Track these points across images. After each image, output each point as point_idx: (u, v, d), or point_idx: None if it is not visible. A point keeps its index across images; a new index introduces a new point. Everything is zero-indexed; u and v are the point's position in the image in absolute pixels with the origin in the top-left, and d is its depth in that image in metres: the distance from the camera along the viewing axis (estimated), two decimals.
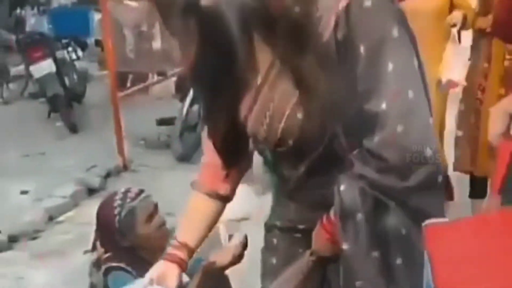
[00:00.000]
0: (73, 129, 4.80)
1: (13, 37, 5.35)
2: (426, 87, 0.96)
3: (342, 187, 0.95)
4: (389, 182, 0.92)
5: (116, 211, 1.71)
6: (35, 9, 5.32)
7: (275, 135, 1.00)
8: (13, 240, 3.13)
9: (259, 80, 1.01)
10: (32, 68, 4.64)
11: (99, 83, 5.91)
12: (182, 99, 4.21)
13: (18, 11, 5.26)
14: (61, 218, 3.43)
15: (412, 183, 0.91)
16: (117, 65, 5.66)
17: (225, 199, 1.23)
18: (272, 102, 0.99)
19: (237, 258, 1.39)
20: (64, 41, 5.24)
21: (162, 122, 4.71)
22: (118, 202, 1.73)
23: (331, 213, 0.98)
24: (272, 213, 1.24)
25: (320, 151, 0.99)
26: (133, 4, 5.57)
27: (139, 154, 4.28)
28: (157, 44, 5.56)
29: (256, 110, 1.02)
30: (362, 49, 0.90)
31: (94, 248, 1.83)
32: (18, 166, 4.08)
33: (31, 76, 4.88)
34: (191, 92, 3.99)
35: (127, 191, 1.76)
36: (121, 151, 4.08)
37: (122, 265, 1.70)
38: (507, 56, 2.50)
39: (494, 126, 1.00)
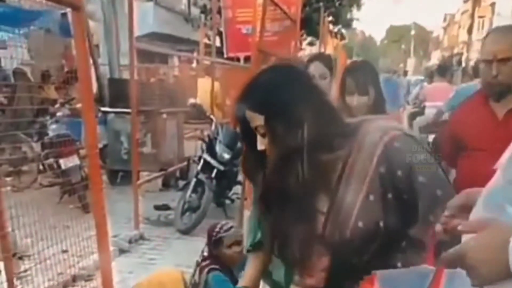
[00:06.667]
0: (87, 209, 6.09)
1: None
2: None
3: None
4: None
5: (214, 234, 2.95)
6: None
7: None
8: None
9: None
10: (61, 161, 5.98)
11: None
12: (183, 188, 5.87)
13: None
14: None
15: None
16: (112, 163, 7.24)
17: None
18: None
19: None
20: None
21: (158, 207, 6.29)
22: (217, 229, 2.95)
23: None
24: None
25: None
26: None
27: (146, 229, 5.73)
28: (147, 149, 7.22)
29: None
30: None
31: (202, 255, 3.06)
32: None
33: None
34: (192, 183, 5.66)
35: (224, 224, 3.01)
36: (136, 226, 5.54)
37: (216, 267, 2.84)
38: None
39: None
